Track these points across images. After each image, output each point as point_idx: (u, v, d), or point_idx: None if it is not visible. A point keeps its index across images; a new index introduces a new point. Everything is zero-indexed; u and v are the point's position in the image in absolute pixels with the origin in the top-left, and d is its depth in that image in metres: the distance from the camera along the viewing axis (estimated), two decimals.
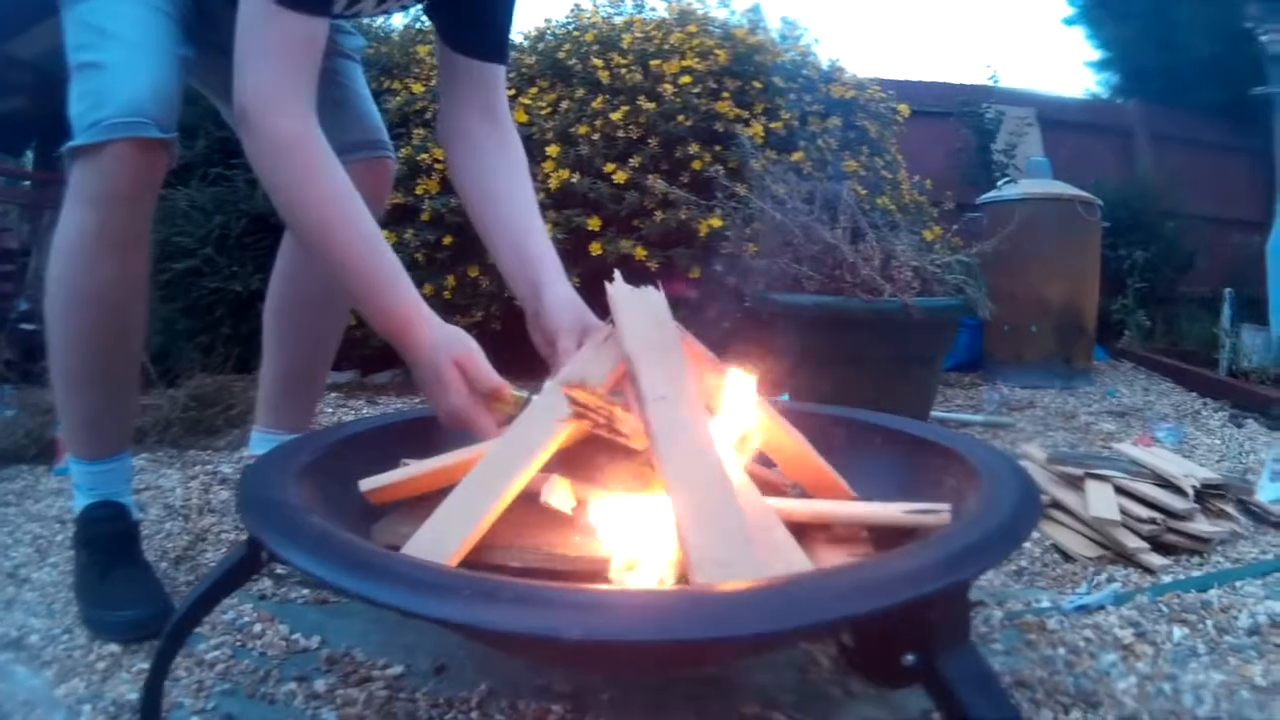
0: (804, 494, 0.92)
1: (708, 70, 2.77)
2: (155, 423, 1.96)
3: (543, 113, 2.77)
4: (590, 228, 2.58)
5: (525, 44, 3.11)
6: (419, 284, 0.96)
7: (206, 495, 1.58)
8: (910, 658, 0.58)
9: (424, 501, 0.82)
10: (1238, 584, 1.16)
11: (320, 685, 0.88)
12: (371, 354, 2.62)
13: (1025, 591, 1.17)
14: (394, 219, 2.63)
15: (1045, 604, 1.10)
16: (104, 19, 1.01)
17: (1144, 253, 3.92)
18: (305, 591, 1.12)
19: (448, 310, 2.52)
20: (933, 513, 0.80)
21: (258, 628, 1.02)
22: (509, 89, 1.26)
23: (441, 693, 0.87)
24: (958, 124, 4.37)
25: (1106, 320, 3.67)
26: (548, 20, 3.21)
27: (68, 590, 1.13)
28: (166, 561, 1.24)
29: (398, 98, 2.87)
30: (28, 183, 4.72)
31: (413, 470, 0.88)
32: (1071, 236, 3.13)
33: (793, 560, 0.72)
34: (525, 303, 1.09)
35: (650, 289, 0.91)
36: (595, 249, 2.56)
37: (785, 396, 1.97)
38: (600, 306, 0.96)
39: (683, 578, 0.68)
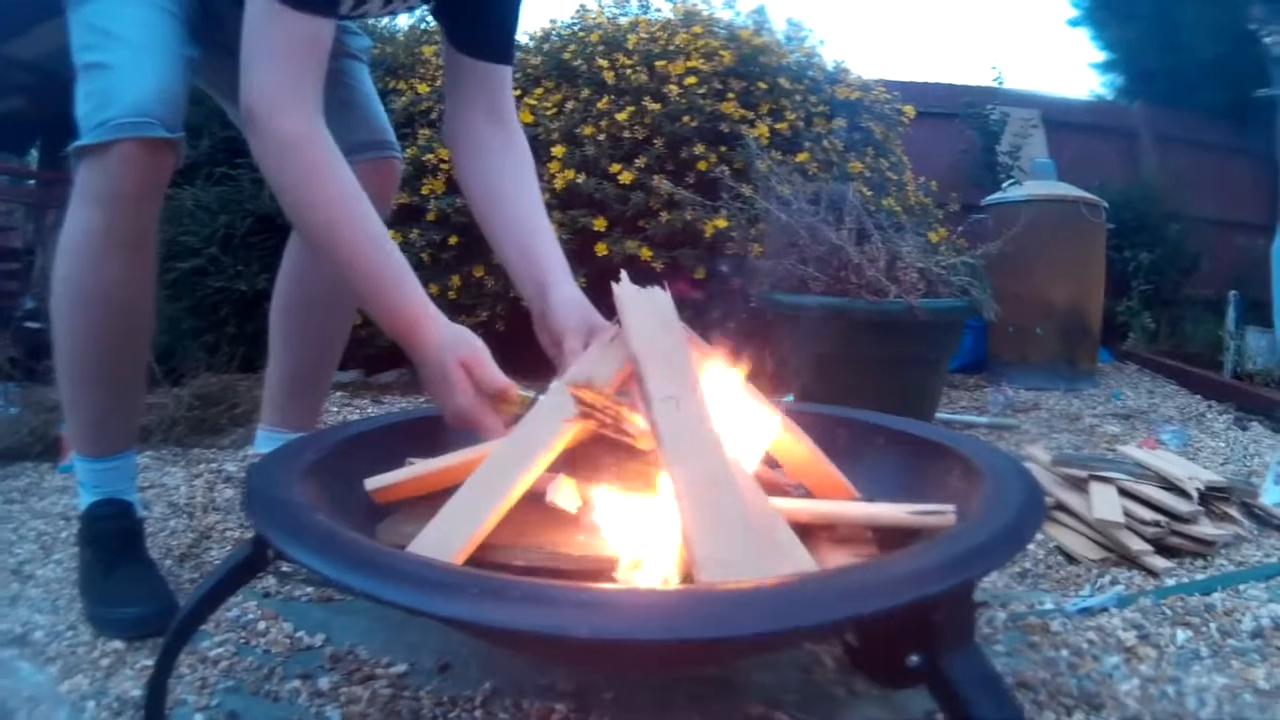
0: (808, 494, 0.92)
1: (713, 71, 2.77)
2: (160, 421, 1.97)
3: (548, 113, 2.78)
4: (596, 228, 2.58)
5: (530, 44, 3.10)
6: (424, 284, 0.96)
7: (211, 493, 1.58)
8: (914, 658, 0.58)
9: (429, 501, 0.82)
10: (1241, 587, 1.16)
11: (324, 683, 0.89)
12: (377, 353, 2.63)
13: (1029, 593, 1.17)
14: (399, 219, 2.63)
15: (1049, 606, 1.10)
16: (109, 20, 1.02)
17: (1149, 255, 3.91)
18: (309, 589, 1.12)
19: (453, 310, 2.51)
20: (937, 514, 0.80)
21: (262, 625, 1.02)
22: (514, 89, 1.26)
23: (445, 691, 0.87)
24: (963, 125, 4.38)
25: (1111, 322, 3.66)
26: (553, 21, 3.22)
27: (72, 587, 1.13)
28: (171, 559, 1.25)
29: (403, 98, 2.88)
30: (32, 181, 4.74)
31: (418, 469, 0.88)
32: (1076, 238, 3.12)
33: (797, 560, 0.72)
34: (531, 303, 1.09)
35: (657, 289, 0.90)
36: (601, 249, 2.56)
37: (790, 397, 1.97)
38: (606, 307, 0.96)
39: (687, 577, 0.68)
